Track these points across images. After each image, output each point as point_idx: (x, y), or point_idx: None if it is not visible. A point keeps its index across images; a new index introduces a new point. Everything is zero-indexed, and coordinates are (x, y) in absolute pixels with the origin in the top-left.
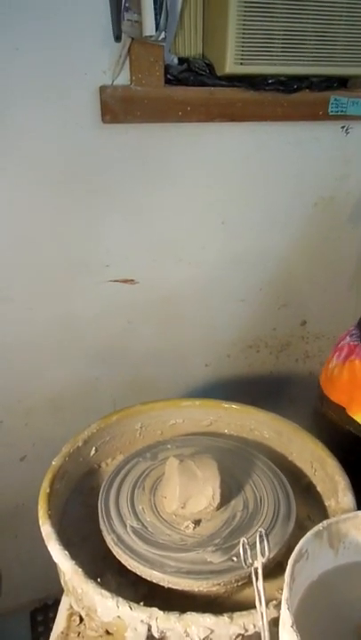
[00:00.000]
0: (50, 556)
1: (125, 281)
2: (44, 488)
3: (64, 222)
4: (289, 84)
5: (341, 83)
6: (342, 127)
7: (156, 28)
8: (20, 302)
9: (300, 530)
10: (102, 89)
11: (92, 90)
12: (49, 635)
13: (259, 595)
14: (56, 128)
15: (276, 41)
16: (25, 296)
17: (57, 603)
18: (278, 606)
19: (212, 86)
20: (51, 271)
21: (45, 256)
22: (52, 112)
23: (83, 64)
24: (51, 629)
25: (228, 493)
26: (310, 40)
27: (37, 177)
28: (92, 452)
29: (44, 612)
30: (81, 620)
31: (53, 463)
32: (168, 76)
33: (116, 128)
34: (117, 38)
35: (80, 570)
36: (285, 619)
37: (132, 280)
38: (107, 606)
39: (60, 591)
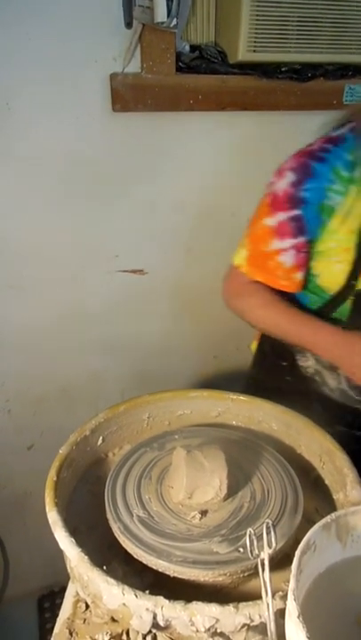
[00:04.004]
0: (57, 544)
1: (135, 271)
2: (52, 476)
3: (73, 211)
4: (303, 72)
5: (357, 71)
6: None
7: (168, 14)
8: (31, 291)
9: (309, 523)
10: (113, 76)
11: (102, 77)
12: (55, 621)
13: (265, 585)
14: (66, 116)
15: (291, 28)
16: (36, 285)
17: (64, 590)
18: (284, 598)
19: (224, 74)
20: (61, 260)
21: (55, 245)
22: (61, 100)
23: (93, 51)
24: (57, 616)
25: (236, 484)
26: (326, 27)
27: (47, 165)
28: (100, 441)
29: (51, 598)
30: (87, 606)
31: (60, 451)
32: (179, 64)
33: (127, 116)
34: (128, 25)
35: (86, 557)
36: (292, 610)
37: (142, 270)
38: (112, 594)
39: (67, 578)
